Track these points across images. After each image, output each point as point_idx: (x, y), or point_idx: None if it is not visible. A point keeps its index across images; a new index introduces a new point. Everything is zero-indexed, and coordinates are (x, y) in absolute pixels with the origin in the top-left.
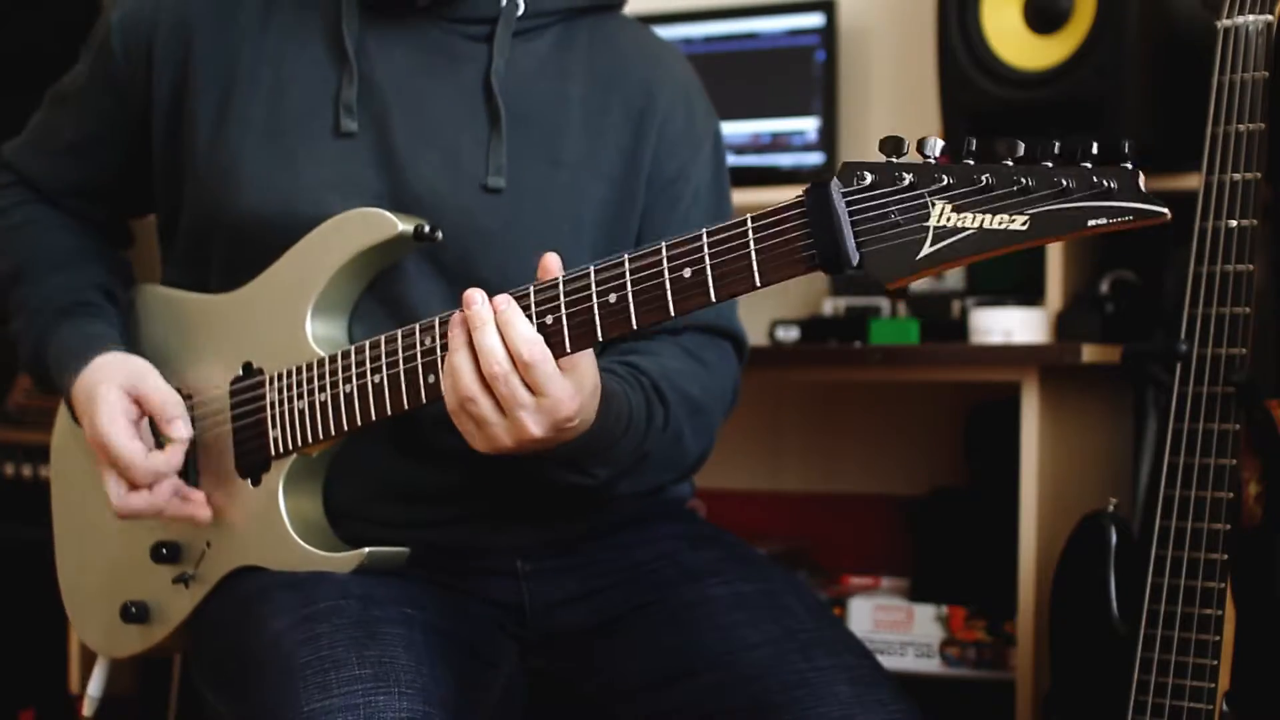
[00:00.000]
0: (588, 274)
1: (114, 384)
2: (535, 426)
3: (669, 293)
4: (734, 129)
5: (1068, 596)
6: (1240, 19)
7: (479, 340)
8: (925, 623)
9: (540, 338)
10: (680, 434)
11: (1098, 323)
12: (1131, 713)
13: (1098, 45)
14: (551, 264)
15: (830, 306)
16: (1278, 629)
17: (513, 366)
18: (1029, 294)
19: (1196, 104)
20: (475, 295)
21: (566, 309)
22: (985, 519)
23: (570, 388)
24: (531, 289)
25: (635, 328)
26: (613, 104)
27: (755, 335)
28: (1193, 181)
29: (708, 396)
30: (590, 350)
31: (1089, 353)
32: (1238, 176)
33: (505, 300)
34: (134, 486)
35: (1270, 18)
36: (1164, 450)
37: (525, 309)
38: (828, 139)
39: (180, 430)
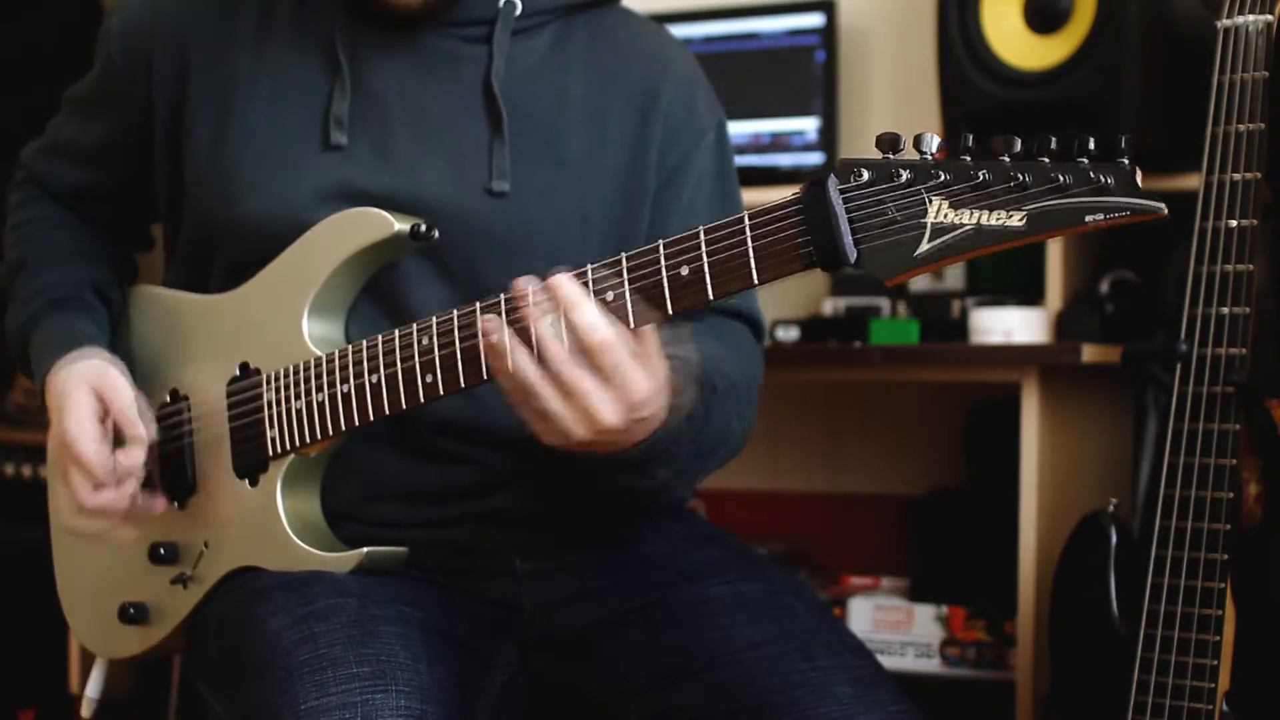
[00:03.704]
0: (585, 274)
1: (87, 384)
2: (609, 412)
3: (666, 291)
4: (734, 129)
5: (1068, 596)
6: (1240, 19)
7: (540, 330)
8: (925, 623)
9: (606, 320)
10: (729, 421)
11: (1098, 323)
12: (1131, 713)
13: (1098, 45)
14: (520, 283)
15: (830, 306)
16: (1278, 629)
17: (576, 350)
18: (1029, 294)
19: (1196, 104)
20: (523, 284)
21: None
22: (985, 519)
23: (644, 369)
24: (529, 293)
25: (633, 327)
26: (614, 98)
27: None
28: (1193, 181)
29: (744, 378)
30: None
31: (1089, 353)
32: (1238, 176)
33: (568, 281)
34: (98, 486)
35: (1270, 18)
36: (1164, 450)
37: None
38: (828, 139)
39: (139, 430)
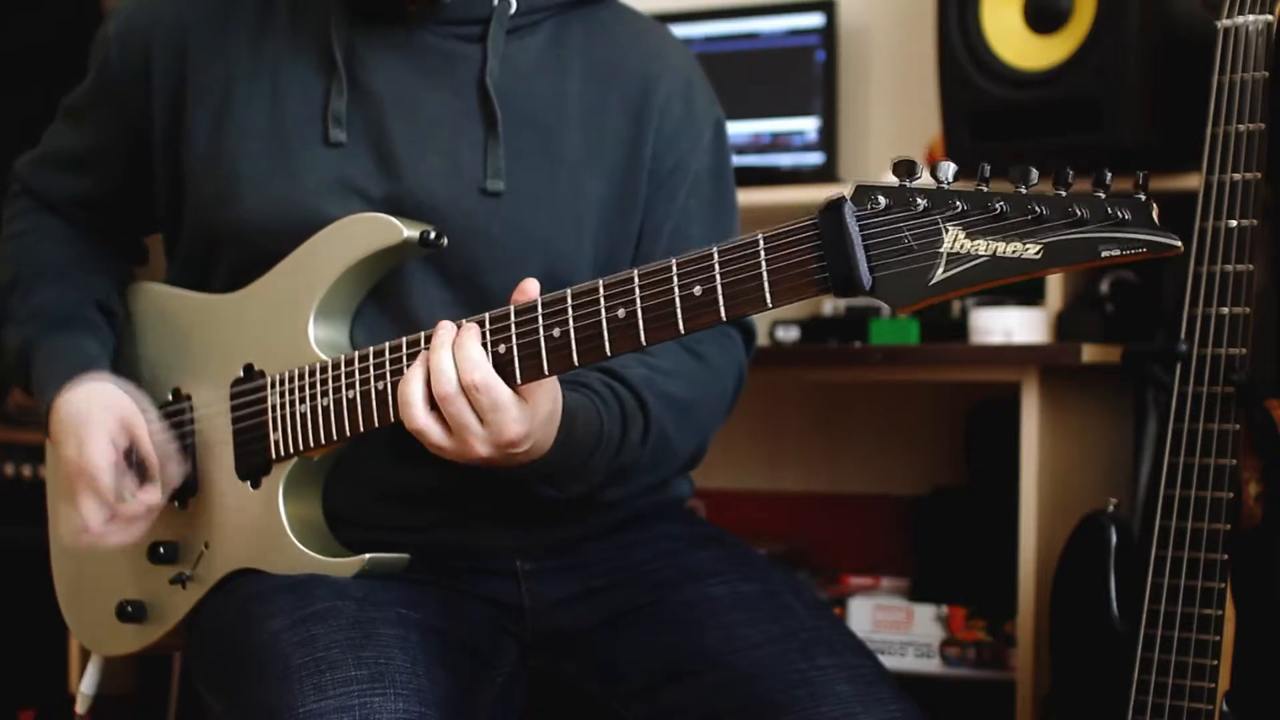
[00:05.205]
0: (597, 289)
1: (111, 413)
2: (481, 448)
3: (679, 310)
4: (734, 129)
5: (1068, 596)
6: (1240, 19)
7: (433, 362)
8: (925, 623)
9: (488, 362)
10: (666, 437)
11: (1098, 323)
12: (1131, 713)
13: (1098, 45)
14: (530, 288)
15: (830, 306)
16: (1278, 629)
17: (460, 389)
18: (1029, 294)
19: (1196, 104)
20: (444, 323)
21: (575, 323)
22: (985, 519)
23: (517, 413)
24: (539, 303)
25: (644, 344)
26: (610, 97)
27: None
28: (1193, 181)
29: (699, 393)
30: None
31: (1089, 353)
32: (1238, 176)
33: (467, 325)
34: (111, 518)
35: (1270, 18)
36: (1164, 450)
37: (533, 322)
38: (828, 139)
39: (168, 474)
